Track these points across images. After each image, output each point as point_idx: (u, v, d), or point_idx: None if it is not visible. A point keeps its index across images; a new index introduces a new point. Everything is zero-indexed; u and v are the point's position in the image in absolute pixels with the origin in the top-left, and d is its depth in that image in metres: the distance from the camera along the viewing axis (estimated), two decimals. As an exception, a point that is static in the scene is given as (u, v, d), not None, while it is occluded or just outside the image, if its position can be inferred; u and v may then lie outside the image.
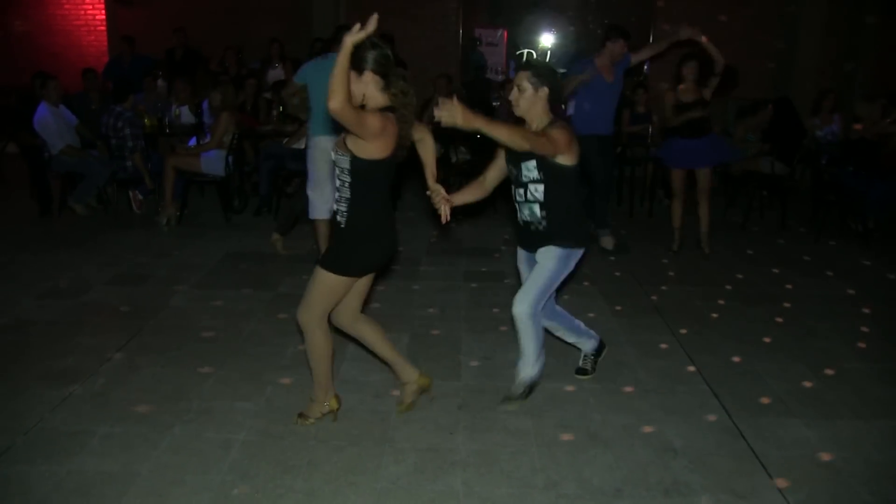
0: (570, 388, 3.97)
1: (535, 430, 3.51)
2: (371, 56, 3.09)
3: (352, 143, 3.12)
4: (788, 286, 5.78)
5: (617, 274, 6.04)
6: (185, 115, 8.53)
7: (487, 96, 10.36)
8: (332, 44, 5.58)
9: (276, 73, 9.45)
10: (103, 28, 11.56)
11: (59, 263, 5.93)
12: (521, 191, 3.62)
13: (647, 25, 11.40)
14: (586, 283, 5.70)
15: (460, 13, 11.44)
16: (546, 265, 3.63)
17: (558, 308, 4.01)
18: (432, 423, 3.53)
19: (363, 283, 3.45)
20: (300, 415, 3.57)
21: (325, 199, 5.34)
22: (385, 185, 3.30)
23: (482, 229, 7.25)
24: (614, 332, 4.77)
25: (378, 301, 5.23)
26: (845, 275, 6.08)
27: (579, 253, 3.69)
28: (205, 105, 8.04)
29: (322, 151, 5.32)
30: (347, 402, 3.75)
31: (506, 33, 12.57)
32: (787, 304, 5.35)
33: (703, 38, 5.99)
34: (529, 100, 3.51)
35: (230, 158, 7.27)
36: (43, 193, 7.61)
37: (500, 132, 3.23)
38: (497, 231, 7.20)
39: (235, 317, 4.91)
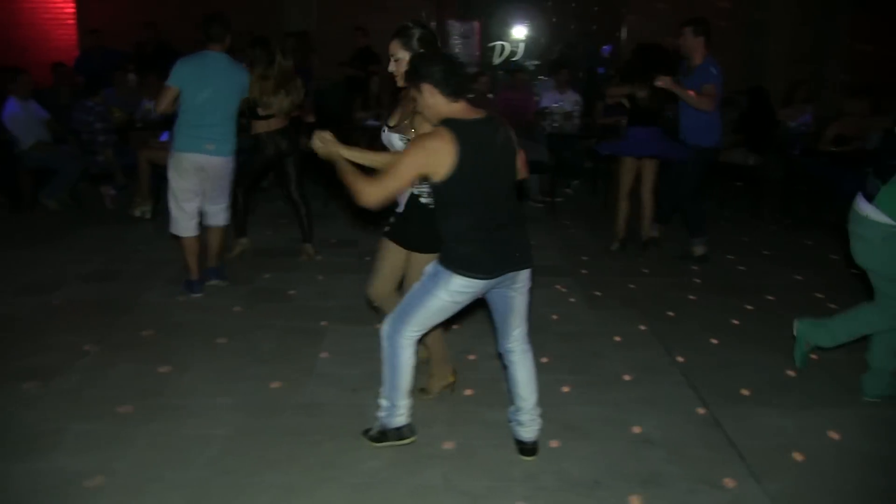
0: (546, 378, 3.96)
1: (513, 422, 3.52)
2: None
3: None
4: (761, 276, 5.83)
5: (587, 270, 5.98)
6: (157, 109, 8.41)
7: None
8: (208, 42, 5.00)
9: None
10: (73, 22, 11.40)
11: (31, 260, 5.85)
12: None
13: (616, 18, 11.47)
14: (560, 276, 5.72)
15: (434, 5, 11.39)
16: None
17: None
18: (410, 417, 3.51)
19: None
20: (421, 390, 3.66)
21: (189, 215, 5.07)
22: None
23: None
24: (590, 324, 4.80)
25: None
26: (817, 265, 6.15)
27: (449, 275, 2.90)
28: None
29: (186, 167, 4.91)
30: (325, 396, 3.75)
31: (479, 25, 12.52)
32: (760, 294, 5.40)
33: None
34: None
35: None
36: (13, 189, 7.49)
37: (351, 180, 2.90)
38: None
39: (212, 311, 4.87)
